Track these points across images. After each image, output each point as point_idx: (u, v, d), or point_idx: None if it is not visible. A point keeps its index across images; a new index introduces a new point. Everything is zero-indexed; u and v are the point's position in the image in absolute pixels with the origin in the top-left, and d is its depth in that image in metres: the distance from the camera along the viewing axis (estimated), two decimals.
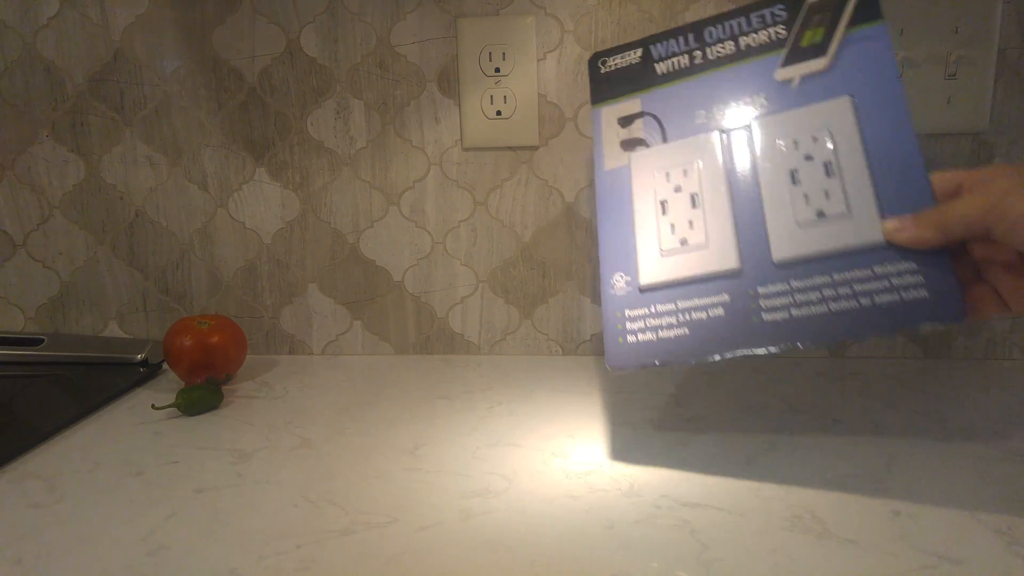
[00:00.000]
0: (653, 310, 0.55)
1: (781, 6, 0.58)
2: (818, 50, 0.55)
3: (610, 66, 0.64)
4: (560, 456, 0.58)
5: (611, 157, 0.61)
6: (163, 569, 0.45)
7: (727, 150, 0.56)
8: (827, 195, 0.52)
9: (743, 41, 0.59)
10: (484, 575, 0.43)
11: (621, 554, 0.45)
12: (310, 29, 0.78)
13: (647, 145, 0.60)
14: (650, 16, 0.74)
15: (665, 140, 0.59)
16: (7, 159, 0.84)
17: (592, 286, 0.80)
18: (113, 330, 0.87)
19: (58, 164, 0.83)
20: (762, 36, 0.58)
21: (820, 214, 0.52)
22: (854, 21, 0.54)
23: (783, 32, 0.57)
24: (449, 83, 0.78)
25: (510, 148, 0.78)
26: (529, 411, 0.67)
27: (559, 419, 0.65)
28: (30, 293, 0.87)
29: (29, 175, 0.84)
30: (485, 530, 0.48)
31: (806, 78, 0.55)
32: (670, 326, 0.54)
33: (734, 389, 0.71)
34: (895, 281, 0.48)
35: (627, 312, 0.55)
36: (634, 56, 0.63)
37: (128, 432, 0.65)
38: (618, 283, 0.57)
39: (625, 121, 0.61)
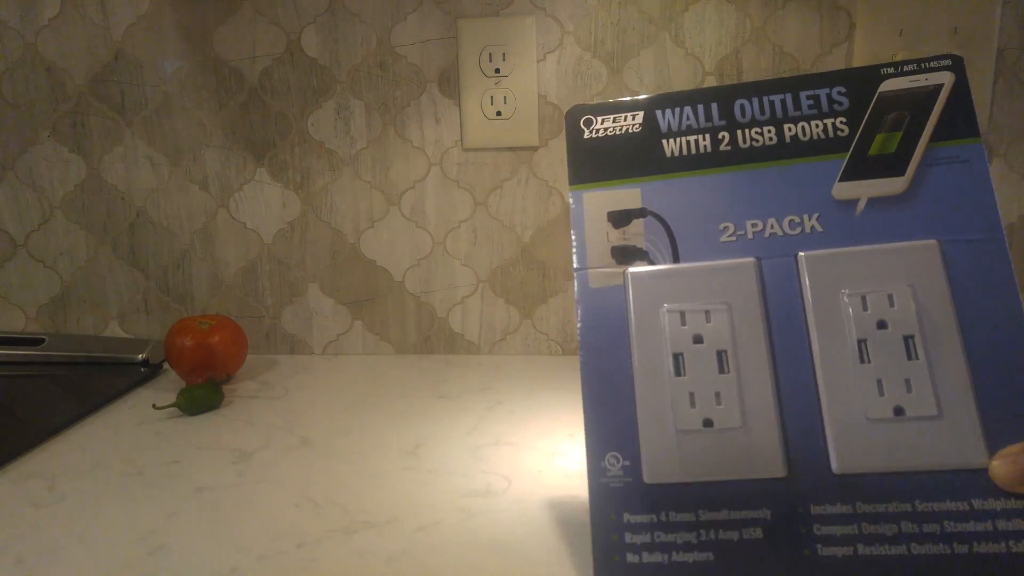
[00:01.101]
0: (664, 519, 0.39)
1: (841, 89, 0.44)
2: (892, 164, 0.42)
3: (598, 130, 0.47)
4: (560, 456, 0.58)
5: (599, 270, 0.44)
6: (163, 569, 0.45)
7: (766, 289, 0.41)
8: (908, 386, 0.38)
9: (788, 130, 0.44)
10: (484, 575, 0.43)
11: None
12: (311, 30, 0.78)
13: (650, 262, 0.44)
14: (649, 17, 0.74)
15: (676, 258, 0.43)
16: (8, 159, 0.84)
17: None
18: (114, 330, 0.87)
19: (59, 164, 0.83)
20: (815, 128, 0.43)
21: (899, 411, 0.38)
22: (941, 133, 0.41)
23: (844, 128, 0.43)
24: (449, 83, 0.78)
25: (510, 148, 0.78)
26: (529, 410, 0.67)
27: (559, 418, 0.65)
28: (31, 293, 0.87)
29: (30, 175, 0.84)
30: (484, 530, 0.48)
31: (875, 201, 0.41)
32: (688, 546, 0.39)
33: None
34: (1002, 525, 0.36)
35: (626, 517, 0.40)
36: (633, 122, 0.47)
37: (129, 432, 0.65)
38: (612, 468, 0.41)
39: (619, 218, 0.45)
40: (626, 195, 0.45)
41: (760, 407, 0.40)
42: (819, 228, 0.42)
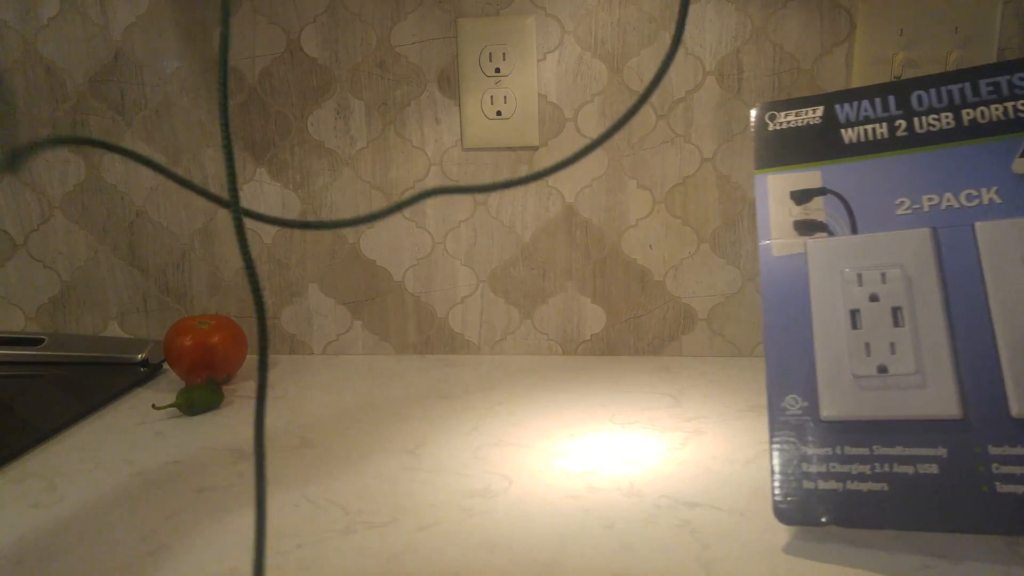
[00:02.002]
0: (839, 452, 0.43)
1: (1022, 75, 0.45)
2: None
3: (781, 123, 0.52)
4: (560, 456, 0.58)
5: (781, 240, 0.49)
6: (163, 569, 0.45)
7: (942, 256, 0.44)
8: None
9: (967, 115, 0.46)
10: (484, 575, 0.43)
11: (621, 554, 0.45)
12: (310, 29, 0.78)
13: (830, 233, 0.48)
14: (650, 16, 0.74)
15: (855, 230, 0.47)
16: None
17: (592, 286, 0.80)
18: (114, 330, 0.87)
19: (59, 164, 0.83)
20: (995, 111, 0.45)
21: None
22: None
23: None
24: (449, 83, 0.78)
25: (510, 148, 0.78)
26: (529, 411, 0.67)
27: (559, 419, 0.65)
28: (31, 293, 0.87)
29: (30, 175, 0.84)
30: (485, 530, 0.48)
31: None
32: (862, 476, 0.42)
33: (734, 389, 0.71)
34: None
35: (804, 449, 0.44)
36: (813, 115, 0.51)
37: (128, 432, 0.65)
38: (791, 407, 0.45)
39: (801, 197, 0.49)
40: (807, 176, 0.49)
41: (935, 357, 0.42)
42: (997, 200, 0.43)
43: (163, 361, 0.82)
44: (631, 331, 0.81)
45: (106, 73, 0.81)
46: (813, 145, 0.50)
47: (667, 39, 0.74)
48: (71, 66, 0.81)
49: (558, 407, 0.68)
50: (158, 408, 0.68)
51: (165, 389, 0.76)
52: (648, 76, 0.75)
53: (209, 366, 0.72)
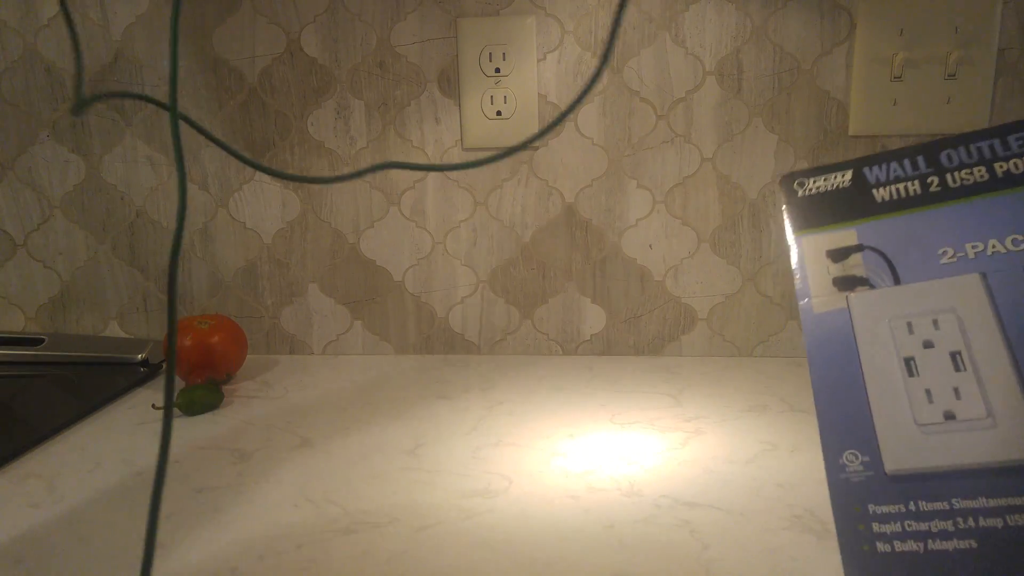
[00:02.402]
0: (915, 509, 0.40)
1: None
2: None
3: (810, 189, 0.51)
4: (560, 456, 0.58)
5: (823, 298, 0.47)
6: (163, 569, 0.45)
7: (995, 296, 0.43)
8: None
9: (1000, 168, 0.46)
10: (484, 575, 0.43)
11: (621, 554, 0.45)
12: (310, 29, 0.78)
13: (872, 286, 0.46)
14: (650, 16, 0.74)
15: (897, 282, 0.46)
16: (8, 159, 0.84)
17: (592, 286, 0.80)
18: (113, 330, 0.87)
19: (58, 164, 0.83)
20: None
21: None
22: None
23: None
24: (449, 83, 0.78)
25: (510, 148, 0.78)
26: (529, 411, 0.67)
27: (559, 419, 0.65)
28: (30, 293, 0.87)
29: (30, 175, 0.84)
30: (485, 530, 0.48)
31: None
32: (945, 534, 0.39)
33: (734, 389, 0.71)
34: None
35: (871, 508, 0.40)
36: (842, 179, 0.51)
37: (128, 432, 0.65)
38: (851, 464, 0.42)
39: (838, 255, 0.48)
40: (843, 235, 0.49)
41: (1005, 397, 0.40)
42: None
43: (163, 361, 0.82)
44: (631, 331, 0.81)
45: (106, 73, 0.81)
46: (845, 207, 0.50)
47: (667, 39, 0.74)
48: (71, 66, 0.81)
49: (558, 407, 0.68)
50: (158, 408, 0.68)
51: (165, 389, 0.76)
52: (648, 76, 0.75)
53: (209, 366, 0.72)
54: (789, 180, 0.53)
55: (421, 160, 0.80)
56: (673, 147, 0.77)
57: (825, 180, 0.51)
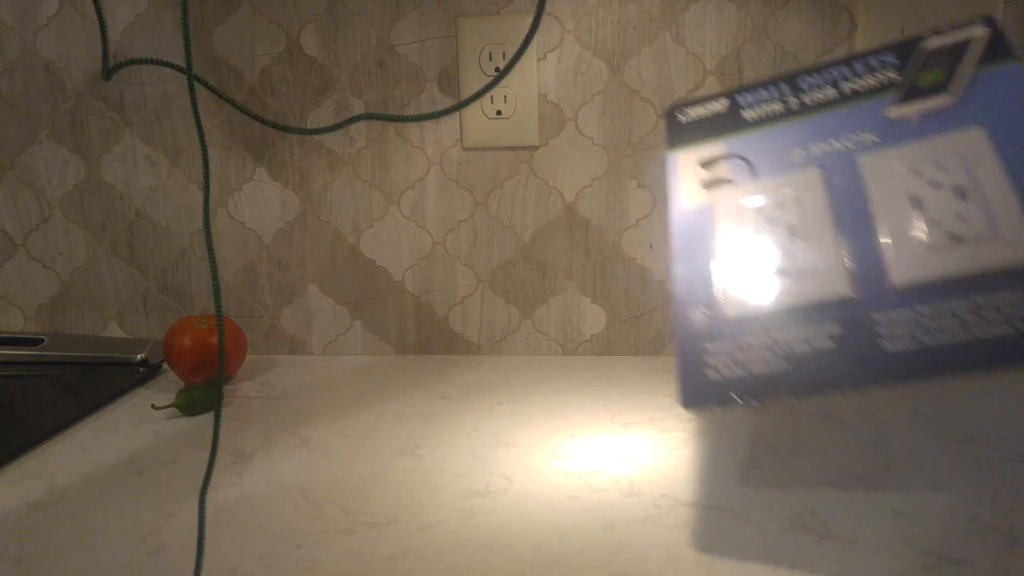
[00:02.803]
0: (743, 344, 0.48)
1: (890, 54, 0.54)
2: (940, 88, 0.51)
3: (691, 116, 0.60)
4: (560, 456, 0.58)
5: (690, 197, 0.56)
6: (163, 569, 0.45)
7: (831, 184, 0.51)
8: (961, 218, 0.46)
9: (845, 86, 0.55)
10: (484, 575, 0.43)
11: (621, 554, 0.45)
12: (310, 29, 0.78)
13: (733, 184, 0.55)
14: (650, 16, 0.74)
15: (756, 178, 0.54)
16: (7, 159, 0.84)
17: (592, 286, 0.80)
18: (113, 330, 0.87)
19: (58, 164, 0.83)
20: (868, 81, 0.54)
21: (953, 237, 0.46)
22: (983, 61, 0.50)
23: (895, 76, 0.53)
24: (449, 83, 0.78)
25: (510, 148, 0.78)
26: (529, 411, 0.67)
27: (559, 419, 0.65)
28: (30, 293, 0.87)
29: (29, 175, 0.84)
30: (485, 530, 0.48)
31: (927, 114, 0.51)
32: (765, 361, 0.46)
33: None
34: None
35: (708, 346, 0.48)
36: (719, 106, 0.60)
37: (128, 432, 0.65)
38: (697, 316, 0.50)
39: (708, 164, 0.57)
40: (714, 148, 0.58)
41: (826, 254, 0.49)
42: (876, 140, 0.51)
43: (163, 361, 0.82)
44: (631, 331, 0.81)
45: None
46: (719, 126, 0.59)
47: (668, 38, 0.74)
48: (71, 66, 0.81)
49: (558, 407, 0.68)
50: (158, 408, 0.68)
51: (165, 389, 0.76)
52: (649, 75, 0.75)
53: (209, 366, 0.72)
54: (672, 110, 0.61)
55: (421, 160, 0.79)
56: None
57: (704, 107, 0.60)
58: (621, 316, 0.81)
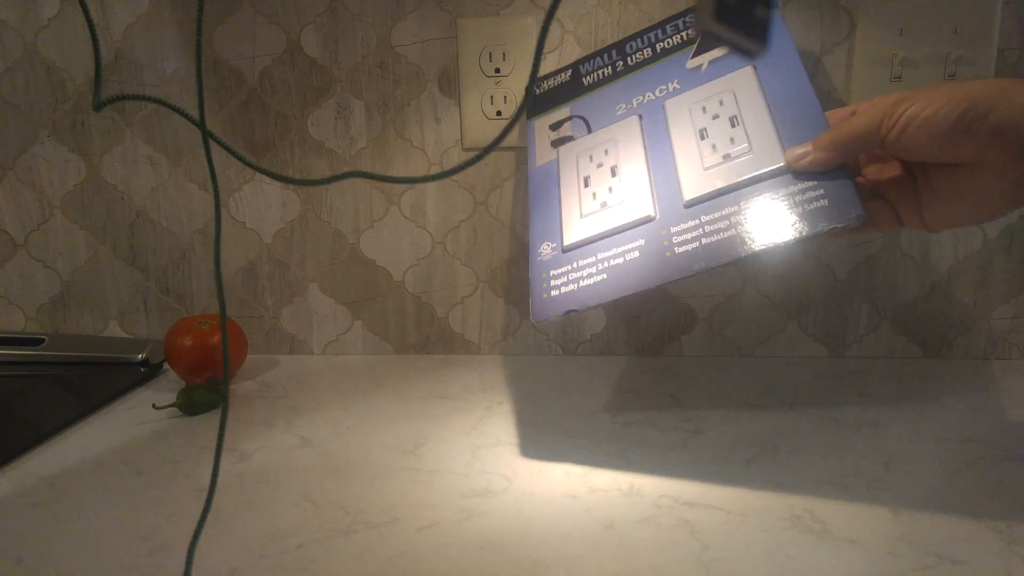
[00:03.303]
0: (575, 265, 0.59)
1: (690, 16, 0.68)
2: None
3: (544, 88, 0.73)
4: (560, 456, 0.58)
5: (542, 156, 0.68)
6: (163, 569, 0.45)
7: (644, 129, 0.63)
8: (732, 141, 0.58)
9: (659, 46, 0.68)
10: (484, 575, 0.43)
11: (621, 554, 0.45)
12: (310, 29, 0.78)
13: (573, 139, 0.67)
14: (650, 17, 0.74)
15: (590, 132, 0.67)
16: (8, 159, 0.84)
17: None
18: (114, 330, 0.87)
19: (59, 164, 0.83)
20: (676, 39, 0.67)
21: (726, 156, 0.57)
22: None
23: (694, 34, 0.66)
24: (449, 83, 0.78)
25: (510, 148, 0.78)
26: (529, 411, 0.67)
27: (559, 419, 0.65)
28: (31, 293, 0.87)
29: (30, 175, 0.84)
30: (485, 530, 0.48)
31: (714, 61, 0.63)
32: (590, 275, 0.57)
33: (734, 389, 0.71)
34: (798, 198, 0.52)
35: (552, 272, 0.60)
36: (564, 76, 0.72)
37: (129, 432, 0.65)
38: (544, 250, 0.62)
39: (555, 126, 0.69)
40: (560, 112, 0.71)
41: (638, 186, 0.61)
42: (678, 87, 0.64)
43: (163, 361, 0.82)
44: (631, 331, 0.81)
45: (106, 73, 0.81)
46: (564, 93, 0.71)
47: None
48: (71, 66, 0.81)
49: (558, 407, 0.68)
50: (158, 408, 0.68)
51: (165, 389, 0.76)
52: None
53: (209, 366, 0.72)
54: (530, 85, 0.65)
55: (421, 160, 0.80)
56: None
57: (554, 79, 0.73)
58: (621, 316, 0.81)
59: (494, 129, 0.78)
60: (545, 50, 0.76)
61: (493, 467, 0.57)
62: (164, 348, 0.74)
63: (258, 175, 0.82)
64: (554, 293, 0.58)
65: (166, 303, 0.86)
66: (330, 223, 0.82)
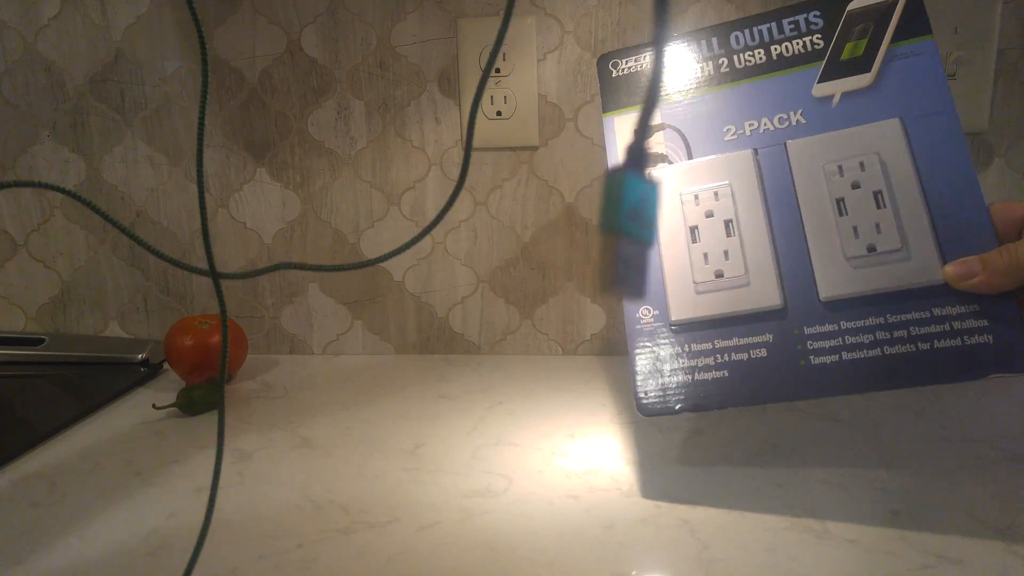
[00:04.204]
0: (688, 349, 0.50)
1: (816, 12, 0.54)
2: (860, 65, 0.51)
3: (623, 69, 0.59)
4: (560, 456, 0.58)
5: None
6: (163, 569, 0.45)
7: (762, 172, 0.52)
8: (879, 229, 0.48)
9: (775, 50, 0.54)
10: (484, 575, 0.43)
11: (621, 554, 0.45)
12: (311, 30, 0.78)
13: (670, 162, 0.55)
14: (650, 16, 0.74)
15: (690, 156, 0.55)
16: (8, 159, 0.84)
17: (592, 285, 0.80)
18: (114, 330, 0.87)
19: (59, 164, 0.83)
20: (796, 46, 0.54)
21: (871, 249, 0.48)
22: (900, 35, 0.51)
23: (820, 42, 0.53)
24: (449, 83, 0.78)
25: (510, 148, 0.78)
26: (529, 411, 0.67)
27: (559, 419, 0.65)
28: (31, 293, 0.87)
29: (30, 175, 0.84)
30: (485, 530, 0.48)
31: (847, 95, 0.51)
32: (708, 369, 0.49)
33: None
34: (956, 325, 0.45)
35: (658, 351, 0.51)
36: (650, 60, 0.59)
37: (129, 432, 0.65)
38: (645, 317, 0.52)
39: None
40: None
41: (759, 259, 0.50)
42: (803, 121, 0.52)
43: (163, 361, 0.82)
44: None
45: (106, 73, 0.81)
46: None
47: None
48: (71, 66, 0.81)
49: (558, 407, 0.68)
50: (158, 408, 0.68)
51: (165, 389, 0.76)
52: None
53: (209, 366, 0.72)
54: (605, 61, 0.59)
55: (421, 160, 0.80)
56: None
57: (636, 61, 0.58)
58: (621, 316, 0.81)
59: (494, 129, 0.78)
60: (544, 50, 0.76)
61: (493, 467, 0.57)
62: (164, 348, 0.74)
63: (258, 174, 0.82)
64: (663, 381, 0.50)
65: (166, 303, 0.86)
66: (330, 223, 0.82)
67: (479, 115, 0.77)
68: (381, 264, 0.82)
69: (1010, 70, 0.71)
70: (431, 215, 0.81)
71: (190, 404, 0.68)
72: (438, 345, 0.84)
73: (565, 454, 0.58)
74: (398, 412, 0.68)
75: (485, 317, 0.83)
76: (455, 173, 0.80)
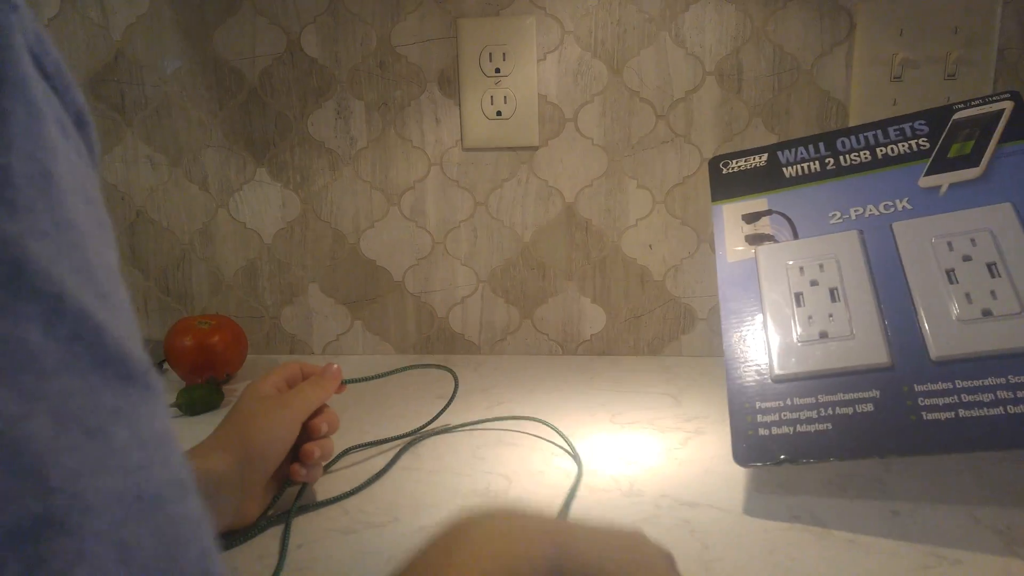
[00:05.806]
0: (790, 403, 0.51)
1: (922, 121, 0.59)
2: (968, 161, 0.55)
3: (733, 168, 0.64)
4: (561, 456, 0.58)
5: (735, 250, 0.59)
6: None
7: (868, 248, 0.55)
8: (994, 295, 0.49)
9: (880, 151, 0.59)
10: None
11: None
12: (311, 30, 0.78)
13: (776, 240, 0.58)
14: (650, 17, 0.74)
15: (796, 237, 0.58)
16: None
17: (592, 286, 0.80)
18: None
19: None
20: (902, 147, 0.58)
21: (987, 313, 0.49)
22: (1006, 137, 0.55)
23: (925, 144, 0.57)
24: (449, 83, 0.78)
25: (510, 148, 0.78)
26: (529, 411, 0.67)
27: (559, 419, 0.65)
28: None
29: None
30: None
31: (955, 186, 0.54)
32: (810, 420, 0.49)
33: None
34: None
35: (759, 404, 0.52)
36: (759, 160, 0.63)
37: None
38: (747, 374, 0.53)
39: (751, 218, 0.60)
40: (756, 203, 0.61)
41: (866, 321, 0.52)
42: (908, 207, 0.55)
43: (163, 361, 0.82)
44: (631, 331, 0.81)
45: (107, 73, 0.81)
46: (760, 181, 0.62)
47: (667, 39, 0.74)
48: (71, 66, 0.81)
49: (558, 407, 0.68)
50: None
51: (165, 389, 0.75)
52: (648, 76, 0.75)
53: (209, 366, 0.72)
54: (716, 162, 0.65)
55: (422, 160, 0.80)
56: (673, 147, 0.77)
57: (745, 161, 0.64)
58: (621, 316, 0.81)
59: (494, 129, 0.78)
60: (544, 50, 0.76)
61: (493, 467, 0.57)
62: (164, 348, 0.74)
63: (258, 174, 0.82)
64: (763, 432, 0.50)
65: (166, 303, 0.86)
66: (330, 223, 0.82)
67: (479, 115, 0.77)
68: (381, 264, 0.82)
69: (1010, 70, 0.72)
70: (431, 215, 0.81)
71: (190, 404, 0.68)
72: (438, 345, 0.84)
73: (565, 454, 0.58)
74: (398, 412, 0.68)
75: (485, 317, 0.83)
76: (455, 173, 0.80)
